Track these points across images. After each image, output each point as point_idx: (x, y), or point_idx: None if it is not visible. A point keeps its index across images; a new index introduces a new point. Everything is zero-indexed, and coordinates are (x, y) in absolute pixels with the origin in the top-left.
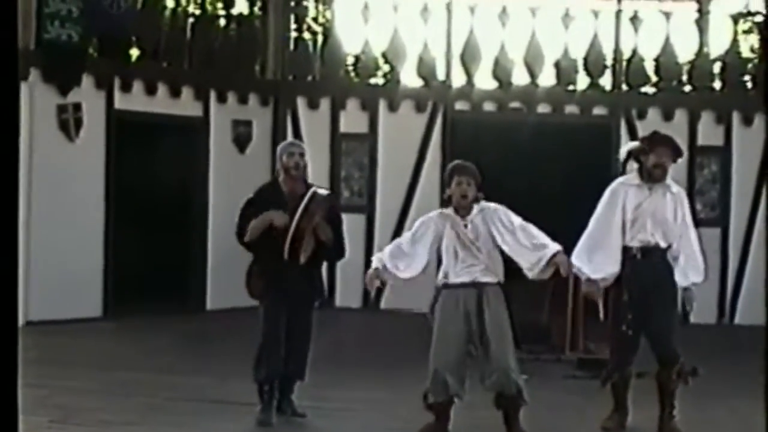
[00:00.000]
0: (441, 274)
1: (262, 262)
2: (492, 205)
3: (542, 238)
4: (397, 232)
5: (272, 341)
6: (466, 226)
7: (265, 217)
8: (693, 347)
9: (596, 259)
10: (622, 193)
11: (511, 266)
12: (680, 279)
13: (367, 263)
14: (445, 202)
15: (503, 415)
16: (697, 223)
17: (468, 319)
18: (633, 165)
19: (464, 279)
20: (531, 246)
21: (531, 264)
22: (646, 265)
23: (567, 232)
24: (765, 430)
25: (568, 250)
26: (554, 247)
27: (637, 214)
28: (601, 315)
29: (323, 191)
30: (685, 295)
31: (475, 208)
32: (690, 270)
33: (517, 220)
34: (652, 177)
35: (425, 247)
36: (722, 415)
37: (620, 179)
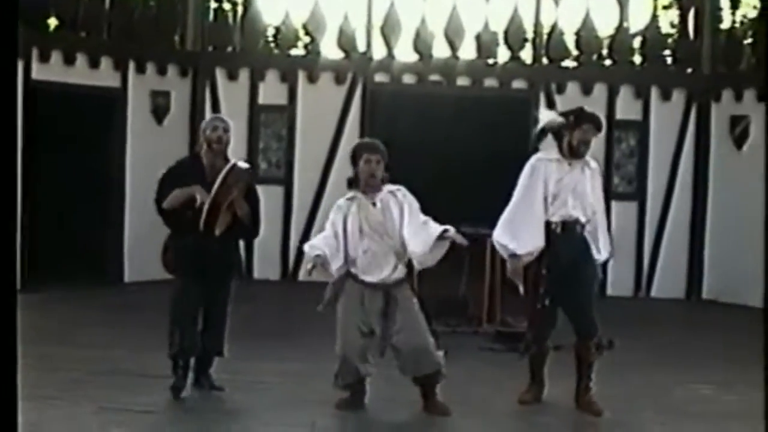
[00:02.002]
0: (346, 258)
1: (178, 236)
2: (403, 189)
3: (435, 227)
4: (315, 204)
5: (186, 318)
6: (374, 205)
7: (189, 190)
8: (610, 320)
9: (521, 235)
10: (543, 168)
11: None
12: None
13: (285, 235)
14: (350, 183)
15: (420, 389)
16: (615, 196)
17: (371, 317)
18: (548, 139)
19: (370, 278)
20: (425, 234)
21: (422, 247)
22: (566, 240)
23: (485, 204)
24: (765, 427)
25: (487, 220)
26: (440, 227)
27: (558, 188)
28: (521, 290)
29: (243, 164)
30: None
31: (385, 188)
32: (600, 247)
33: (422, 216)
34: (576, 153)
35: (342, 239)
36: (639, 386)
37: (539, 155)
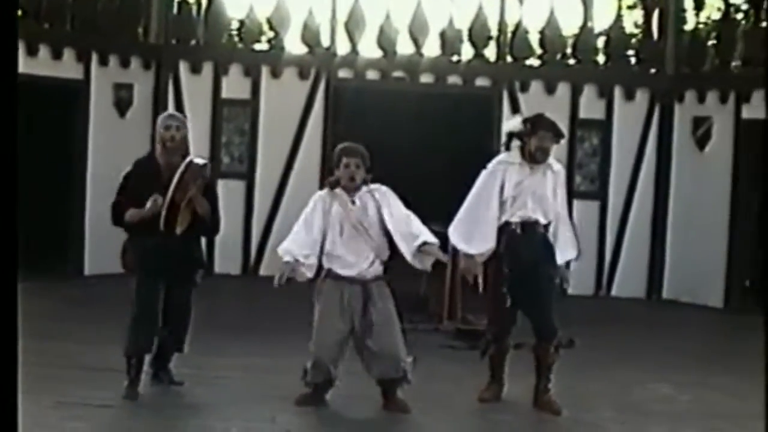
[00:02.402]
0: (325, 255)
1: (137, 237)
2: (383, 187)
3: (419, 228)
4: (277, 200)
5: (144, 317)
6: (354, 202)
7: (145, 211)
8: (571, 318)
9: (473, 236)
10: (501, 172)
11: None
12: (558, 257)
13: (247, 229)
14: (331, 185)
15: (382, 389)
16: (577, 195)
17: (352, 316)
18: (516, 142)
19: (350, 272)
20: (410, 235)
21: (409, 253)
22: (526, 240)
23: (448, 202)
24: (765, 427)
25: (449, 217)
26: (426, 236)
27: (518, 191)
28: (480, 289)
29: (199, 160)
30: (562, 272)
31: (364, 188)
32: (567, 247)
33: (404, 209)
34: (533, 159)
35: (318, 231)
36: (599, 385)
37: (500, 157)
